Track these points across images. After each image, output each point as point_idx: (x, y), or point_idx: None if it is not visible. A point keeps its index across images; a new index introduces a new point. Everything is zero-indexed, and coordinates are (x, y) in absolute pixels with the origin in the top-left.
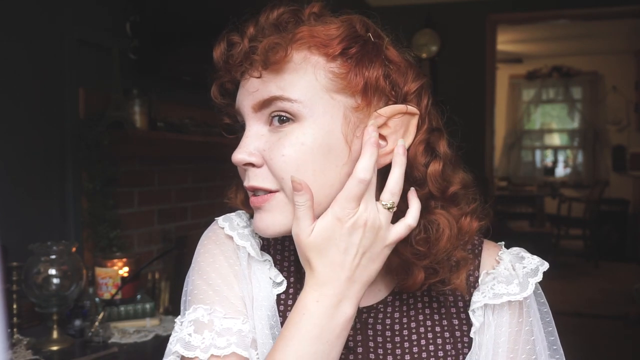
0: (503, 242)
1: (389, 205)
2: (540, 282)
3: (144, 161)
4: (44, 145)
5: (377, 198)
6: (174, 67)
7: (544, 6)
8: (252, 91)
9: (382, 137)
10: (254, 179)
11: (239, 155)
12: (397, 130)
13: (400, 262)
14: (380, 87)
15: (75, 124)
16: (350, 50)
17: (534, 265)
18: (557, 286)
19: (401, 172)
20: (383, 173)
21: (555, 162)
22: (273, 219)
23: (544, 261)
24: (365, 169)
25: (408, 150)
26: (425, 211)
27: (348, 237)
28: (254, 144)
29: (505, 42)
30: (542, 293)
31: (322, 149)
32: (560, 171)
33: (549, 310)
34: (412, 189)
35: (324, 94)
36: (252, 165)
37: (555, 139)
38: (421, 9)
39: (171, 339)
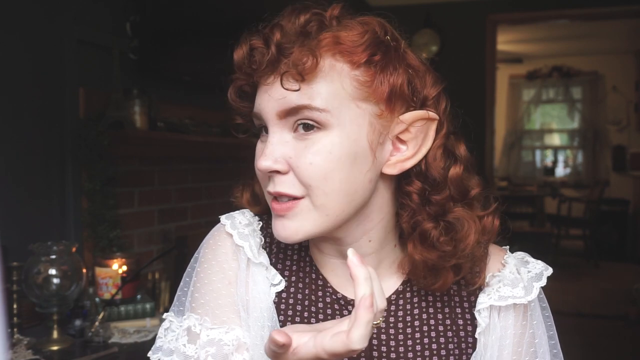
0: (508, 246)
1: (378, 323)
2: (542, 287)
3: (144, 161)
4: (44, 145)
5: (391, 234)
6: (174, 67)
7: (544, 6)
8: (277, 98)
9: (403, 141)
10: (280, 185)
11: (265, 163)
12: (417, 136)
13: (427, 267)
14: (404, 93)
15: (75, 124)
16: (374, 57)
17: (539, 270)
18: (558, 286)
19: (382, 290)
20: (399, 178)
21: (555, 162)
22: (296, 226)
23: (547, 266)
24: (361, 339)
25: (427, 154)
26: (444, 213)
27: None
28: (279, 150)
29: (505, 42)
30: (545, 298)
31: (348, 157)
32: (560, 171)
33: (551, 315)
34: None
35: (350, 103)
36: (277, 172)
37: (555, 139)
38: (421, 9)
39: (164, 334)
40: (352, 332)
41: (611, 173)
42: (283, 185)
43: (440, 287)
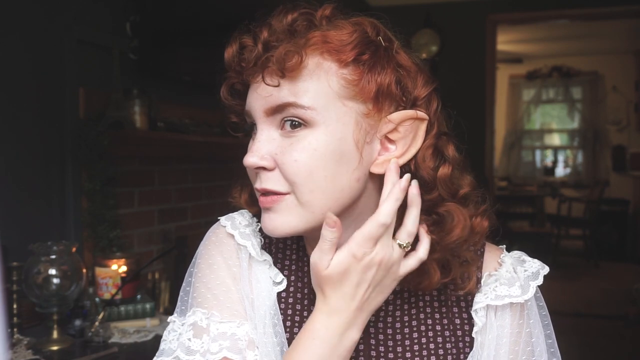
0: (504, 245)
1: (404, 245)
2: (540, 285)
3: (144, 161)
4: (44, 145)
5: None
6: (174, 67)
7: (544, 6)
8: (264, 96)
9: (392, 141)
10: (265, 181)
11: (251, 159)
12: (406, 135)
13: None
14: (392, 93)
15: (75, 124)
16: (362, 56)
17: (535, 269)
18: (557, 286)
19: (418, 212)
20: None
21: (555, 162)
22: (282, 220)
23: (544, 265)
24: (388, 213)
25: (416, 154)
26: (435, 206)
27: (362, 273)
28: (265, 147)
29: (505, 42)
30: (542, 297)
31: (334, 155)
32: (560, 171)
33: (548, 314)
34: (423, 224)
35: (336, 101)
36: (264, 168)
37: (555, 139)
38: (421, 9)
39: (167, 337)
40: (381, 206)
41: (611, 173)
42: (269, 181)
43: (427, 287)
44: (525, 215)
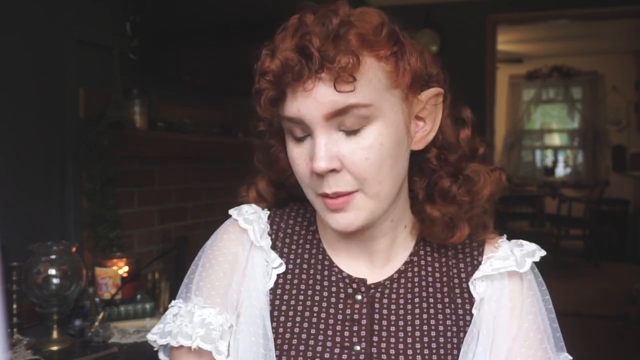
0: (505, 235)
1: None
2: (539, 280)
3: (144, 161)
4: (44, 145)
5: (410, 183)
6: (174, 67)
7: (544, 6)
8: (324, 101)
9: (421, 118)
10: (335, 184)
11: (322, 164)
12: (432, 111)
13: (444, 222)
14: (422, 75)
15: (75, 124)
16: (394, 47)
17: (532, 249)
18: (558, 286)
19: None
20: (418, 154)
21: (555, 162)
22: (355, 216)
23: (541, 248)
24: None
25: (441, 124)
26: (459, 171)
27: None
28: (331, 150)
29: (505, 42)
30: (540, 274)
31: (395, 144)
32: (560, 171)
33: (547, 291)
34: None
35: (385, 93)
36: (334, 170)
37: (555, 139)
38: (421, 8)
39: (171, 319)
40: None
41: (611, 173)
42: (339, 184)
43: (457, 239)
44: (525, 215)
